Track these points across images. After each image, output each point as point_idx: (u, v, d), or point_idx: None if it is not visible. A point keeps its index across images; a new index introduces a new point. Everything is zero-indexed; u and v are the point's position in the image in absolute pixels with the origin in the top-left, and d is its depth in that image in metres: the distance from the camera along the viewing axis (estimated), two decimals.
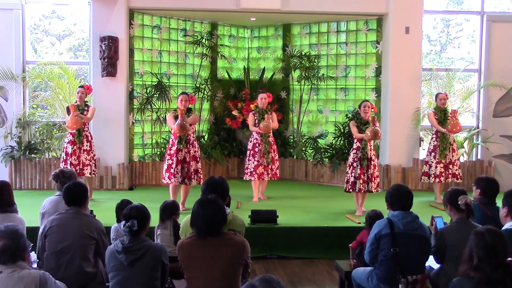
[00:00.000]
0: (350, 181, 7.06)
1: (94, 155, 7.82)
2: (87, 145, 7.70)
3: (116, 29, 8.84)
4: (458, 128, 7.84)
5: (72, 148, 7.61)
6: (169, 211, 4.78)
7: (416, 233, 3.92)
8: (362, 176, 6.98)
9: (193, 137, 7.28)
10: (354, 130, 7.11)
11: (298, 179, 10.05)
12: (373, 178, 7.03)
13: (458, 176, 7.96)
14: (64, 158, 7.66)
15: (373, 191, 7.03)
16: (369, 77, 9.66)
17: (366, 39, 9.70)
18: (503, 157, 9.55)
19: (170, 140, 7.36)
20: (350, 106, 9.86)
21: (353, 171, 7.05)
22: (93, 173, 7.81)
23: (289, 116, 10.44)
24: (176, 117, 7.13)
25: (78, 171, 7.52)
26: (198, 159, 7.32)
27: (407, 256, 3.86)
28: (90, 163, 7.72)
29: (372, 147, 7.10)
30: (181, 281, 3.83)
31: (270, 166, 7.92)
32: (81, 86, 7.86)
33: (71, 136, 7.64)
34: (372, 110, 7.25)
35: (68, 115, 7.53)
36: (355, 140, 7.12)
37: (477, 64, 9.84)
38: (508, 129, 9.54)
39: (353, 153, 7.11)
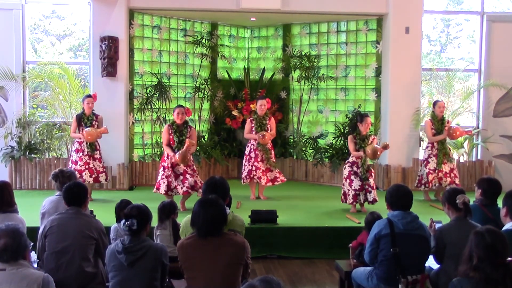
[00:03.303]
0: (351, 195, 7.05)
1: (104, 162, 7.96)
2: (96, 153, 7.76)
3: (116, 29, 8.84)
4: (458, 133, 8.00)
5: (77, 156, 7.70)
6: (167, 211, 4.77)
7: (416, 233, 3.92)
8: (363, 187, 7.03)
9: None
10: (351, 147, 7.12)
11: (298, 179, 10.04)
12: (374, 187, 7.09)
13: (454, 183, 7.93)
14: (70, 166, 7.72)
15: (373, 200, 7.03)
16: (369, 77, 9.66)
17: (366, 39, 9.70)
18: (503, 157, 9.55)
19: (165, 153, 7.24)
20: (350, 106, 9.86)
21: (351, 184, 7.05)
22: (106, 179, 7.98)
23: (289, 116, 10.44)
24: (174, 132, 7.09)
25: (86, 178, 7.64)
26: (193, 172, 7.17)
27: (407, 256, 3.86)
28: (104, 170, 7.86)
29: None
30: (181, 281, 3.83)
31: (271, 172, 7.94)
32: (89, 96, 7.78)
33: (78, 144, 7.72)
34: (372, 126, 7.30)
35: (79, 125, 7.62)
36: (352, 154, 7.15)
37: (477, 64, 9.84)
38: (508, 129, 9.55)
39: (348, 166, 7.13)
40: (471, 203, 4.20)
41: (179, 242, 3.50)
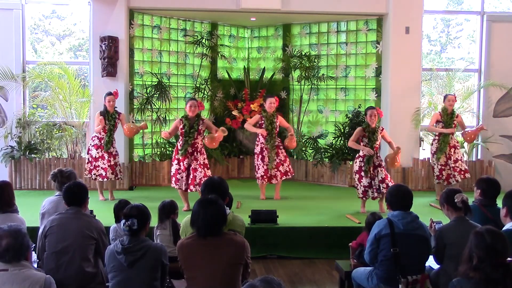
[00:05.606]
0: (360, 190, 7.05)
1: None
2: (113, 150, 7.76)
3: (116, 29, 8.84)
4: (472, 136, 8.17)
5: (97, 152, 7.66)
6: (167, 210, 4.77)
7: (416, 233, 3.92)
8: (372, 184, 6.99)
9: (201, 144, 7.21)
10: (353, 137, 7.06)
11: (298, 179, 10.03)
12: (386, 180, 6.98)
13: (464, 174, 8.06)
14: (90, 160, 7.70)
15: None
16: (369, 77, 9.66)
17: (366, 39, 9.70)
18: (503, 157, 9.55)
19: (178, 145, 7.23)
20: (350, 106, 9.86)
21: (361, 180, 7.04)
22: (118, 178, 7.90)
23: (289, 116, 10.42)
24: (184, 125, 7.07)
25: (109, 175, 7.64)
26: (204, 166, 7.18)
27: (407, 256, 3.86)
28: (117, 167, 7.81)
29: (378, 154, 7.08)
30: (181, 281, 3.83)
31: (283, 166, 7.93)
32: (110, 94, 7.71)
33: (98, 140, 7.68)
34: (379, 115, 7.23)
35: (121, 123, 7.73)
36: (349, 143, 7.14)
37: (477, 64, 9.84)
38: (508, 129, 9.54)
39: (359, 161, 7.09)
40: (470, 203, 4.20)
41: (179, 242, 3.50)
